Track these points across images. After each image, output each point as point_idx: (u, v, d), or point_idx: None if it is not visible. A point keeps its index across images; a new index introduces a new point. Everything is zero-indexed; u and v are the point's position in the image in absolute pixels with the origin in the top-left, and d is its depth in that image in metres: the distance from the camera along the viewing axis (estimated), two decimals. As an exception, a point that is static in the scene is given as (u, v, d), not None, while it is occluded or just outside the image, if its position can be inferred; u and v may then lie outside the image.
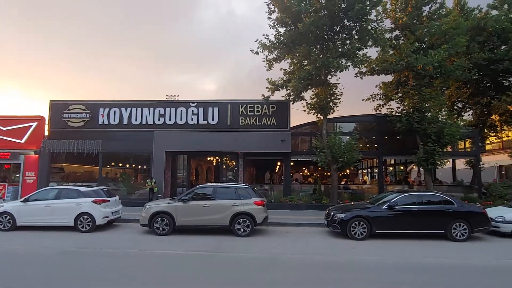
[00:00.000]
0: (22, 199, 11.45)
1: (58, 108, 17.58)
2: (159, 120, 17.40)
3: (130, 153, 17.97)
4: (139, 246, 8.66)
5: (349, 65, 14.89)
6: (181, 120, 17.34)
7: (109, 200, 11.32)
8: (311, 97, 16.30)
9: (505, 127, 19.69)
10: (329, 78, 15.96)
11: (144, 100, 17.78)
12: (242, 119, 17.08)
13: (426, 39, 15.27)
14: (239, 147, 16.71)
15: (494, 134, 19.56)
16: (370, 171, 25.07)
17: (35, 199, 11.11)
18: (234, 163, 17.91)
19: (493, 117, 18.57)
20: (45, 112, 17.91)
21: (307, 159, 17.55)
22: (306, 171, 22.77)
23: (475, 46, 16.32)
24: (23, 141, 17.38)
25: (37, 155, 17.23)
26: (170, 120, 17.38)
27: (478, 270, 6.92)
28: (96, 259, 7.53)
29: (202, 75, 78.88)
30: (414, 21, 15.42)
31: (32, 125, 17.57)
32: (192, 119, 17.33)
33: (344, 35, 15.28)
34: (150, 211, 10.41)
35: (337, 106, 16.00)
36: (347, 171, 20.05)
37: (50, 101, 17.79)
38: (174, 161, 18.19)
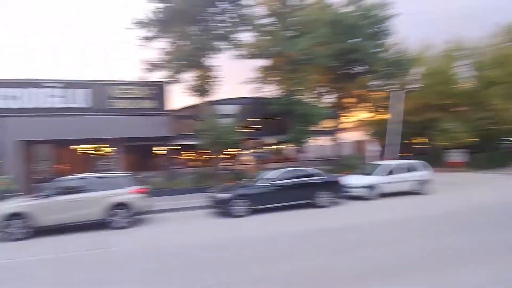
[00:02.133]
0: None
1: None
2: (10, 104, 14.46)
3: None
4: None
5: (223, 48, 15.09)
6: (40, 103, 14.78)
7: None
8: (192, 78, 16.00)
9: (355, 109, 23.43)
10: (205, 60, 15.78)
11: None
12: (116, 102, 15.64)
13: (296, 28, 16.63)
14: (114, 133, 15.31)
15: (346, 114, 23.04)
16: (253, 151, 26.48)
17: None
18: (111, 151, 16.40)
19: (346, 100, 21.85)
20: None
21: (192, 143, 17.28)
22: (192, 155, 22.51)
23: (333, 37, 18.59)
24: None
25: None
26: (24, 103, 14.63)
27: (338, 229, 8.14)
28: None
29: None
30: (286, 10, 16.56)
31: None
32: (56, 103, 14.97)
33: (220, 17, 15.34)
34: (2, 214, 8.66)
35: (215, 88, 16.05)
36: (231, 152, 20.65)
37: None
38: (33, 152, 15.51)
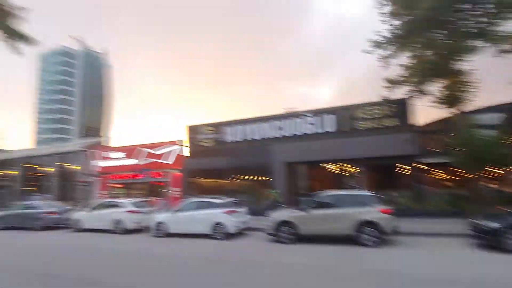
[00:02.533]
0: (171, 210, 13.60)
1: (193, 131, 20.45)
2: (277, 132, 18.29)
3: (253, 166, 19.29)
4: (265, 254, 9.18)
5: (478, 46, 12.64)
6: (298, 131, 17.81)
7: (238, 211, 12.40)
8: (440, 89, 14.42)
9: None
10: (455, 66, 13.77)
11: (263, 116, 18.99)
12: (360, 124, 16.39)
13: None
14: (359, 153, 16.02)
15: None
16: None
17: (180, 210, 13.07)
18: (355, 170, 17.20)
19: None
20: (184, 136, 21.06)
21: (441, 161, 15.43)
22: (442, 174, 19.99)
23: None
24: (169, 161, 20.78)
25: (180, 173, 20.28)
26: (287, 132, 18.06)
27: None
28: (227, 266, 8.32)
29: (317, 84, 78.84)
30: None
31: (174, 148, 20.86)
32: (309, 129, 17.59)
33: (471, 12, 13.08)
34: (275, 221, 10.93)
35: (469, 96, 13.64)
36: (496, 171, 16.73)
37: (187, 126, 20.81)
38: (294, 171, 18.66)
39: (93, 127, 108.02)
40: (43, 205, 16.76)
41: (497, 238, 8.32)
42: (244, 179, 20.11)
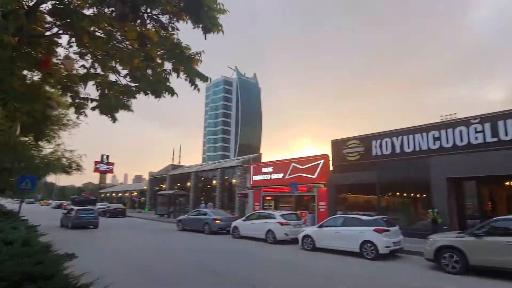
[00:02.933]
0: (318, 225, 13.72)
1: (338, 145, 20.22)
2: (434, 144, 16.12)
3: (406, 182, 17.45)
4: (424, 282, 8.07)
5: None
6: (461, 141, 15.24)
7: (389, 230, 11.43)
8: None
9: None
10: None
11: (415, 126, 17.14)
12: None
13: None
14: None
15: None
16: None
17: (327, 225, 13.02)
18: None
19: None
20: (328, 150, 21.10)
21: None
22: None
23: None
24: (315, 176, 21.14)
25: (325, 187, 20.31)
26: (447, 143, 15.69)
27: None
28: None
29: (481, 85, 65.87)
30: None
31: (320, 163, 21.11)
32: (476, 138, 14.81)
33: None
34: (435, 245, 9.52)
35: None
36: None
37: (332, 140, 20.80)
38: (460, 188, 15.91)
39: (246, 144, 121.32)
40: (211, 213, 19.65)
41: None
42: (396, 196, 18.44)
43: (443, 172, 15.31)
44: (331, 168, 20.62)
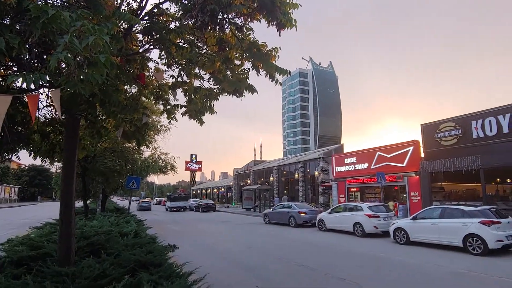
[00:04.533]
0: (411, 216, 12.72)
1: (429, 130, 18.40)
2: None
3: (519, 166, 15.03)
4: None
5: None
6: None
7: (500, 222, 10.01)
8: None
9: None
10: None
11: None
12: None
13: None
14: None
15: None
16: None
17: (422, 217, 11.98)
18: None
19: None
20: (418, 136, 19.36)
21: None
22: None
23: None
24: (404, 164, 19.62)
25: (417, 176, 18.70)
26: None
27: None
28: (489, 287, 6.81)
29: None
30: None
31: (409, 150, 19.50)
32: None
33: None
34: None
35: None
36: None
37: (421, 124, 19.01)
38: None
39: (326, 136, 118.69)
40: (296, 206, 19.76)
41: None
42: (506, 182, 16.04)
43: None
44: (422, 155, 18.88)
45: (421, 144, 18.98)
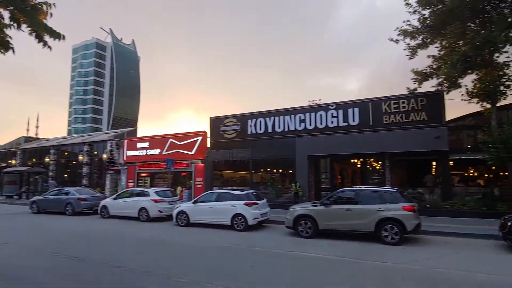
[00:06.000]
0: (193, 200, 13.87)
1: (216, 122, 20.61)
2: (300, 125, 18.09)
3: (276, 159, 19.24)
4: (284, 247, 9.14)
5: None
6: (321, 124, 17.54)
7: (258, 203, 12.44)
8: (473, 81, 13.75)
9: None
10: (496, 57, 13.07)
11: (285, 108, 18.83)
12: (386, 117, 15.90)
13: None
14: (384, 148, 15.55)
15: None
16: None
17: (202, 200, 13.29)
18: (380, 165, 16.75)
19: None
20: (207, 127, 21.28)
21: (472, 157, 14.71)
22: (471, 171, 19.09)
23: None
24: (193, 152, 21.13)
25: (203, 164, 20.59)
26: (310, 125, 17.82)
27: None
28: (247, 256, 8.39)
29: (345, 75, 77.21)
30: None
31: (198, 139, 21.16)
32: (332, 122, 17.28)
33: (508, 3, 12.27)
34: (294, 214, 10.86)
35: (506, 90, 12.96)
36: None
37: (210, 117, 21.02)
38: (317, 165, 18.44)
39: (121, 117, 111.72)
40: (75, 192, 17.51)
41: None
42: (267, 172, 20.12)
43: (305, 151, 17.46)
44: (208, 145, 20.93)
45: (208, 135, 20.99)
